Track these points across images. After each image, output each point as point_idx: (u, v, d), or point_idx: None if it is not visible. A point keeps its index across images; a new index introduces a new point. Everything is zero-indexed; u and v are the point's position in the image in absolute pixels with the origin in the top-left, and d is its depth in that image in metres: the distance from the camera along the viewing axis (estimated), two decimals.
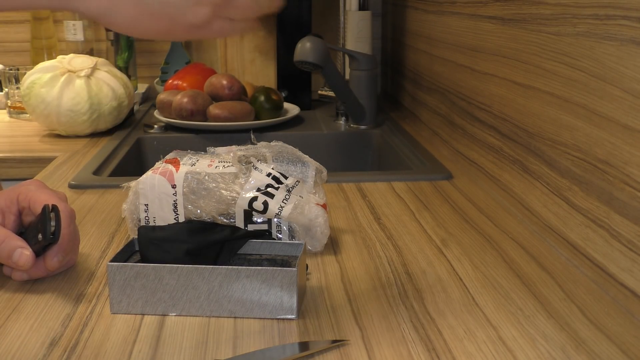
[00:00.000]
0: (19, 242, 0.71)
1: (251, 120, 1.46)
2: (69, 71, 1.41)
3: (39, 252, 0.72)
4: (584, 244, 0.75)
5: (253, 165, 0.81)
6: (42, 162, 1.30)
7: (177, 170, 0.81)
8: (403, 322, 0.65)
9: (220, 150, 0.87)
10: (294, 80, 1.71)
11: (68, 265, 0.77)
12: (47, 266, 0.73)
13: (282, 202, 0.79)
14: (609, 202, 0.70)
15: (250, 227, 0.80)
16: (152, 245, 0.71)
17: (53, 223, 0.70)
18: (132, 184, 0.82)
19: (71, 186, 1.09)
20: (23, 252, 0.70)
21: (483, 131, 1.09)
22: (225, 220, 0.80)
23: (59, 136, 1.46)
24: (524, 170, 0.92)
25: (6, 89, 1.66)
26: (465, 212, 0.96)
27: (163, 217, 0.81)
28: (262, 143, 0.84)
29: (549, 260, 0.79)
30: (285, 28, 1.70)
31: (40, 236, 0.70)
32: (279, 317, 0.66)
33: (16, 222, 0.76)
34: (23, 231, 0.76)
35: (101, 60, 1.48)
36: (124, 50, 1.79)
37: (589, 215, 0.74)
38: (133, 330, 0.64)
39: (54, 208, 0.71)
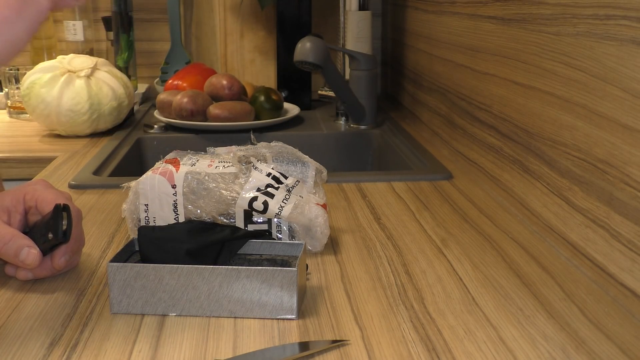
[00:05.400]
0: (26, 240, 0.71)
1: (251, 120, 1.46)
2: (69, 71, 1.41)
3: (46, 251, 0.72)
4: (584, 244, 0.75)
5: (253, 165, 0.81)
6: (42, 162, 1.30)
7: (177, 170, 0.81)
8: (403, 322, 0.65)
9: (220, 150, 0.87)
10: (294, 80, 1.71)
11: (72, 265, 0.77)
12: (54, 265, 0.73)
13: (282, 202, 0.79)
14: (609, 202, 0.70)
15: (250, 227, 0.80)
16: (152, 245, 0.71)
17: (65, 222, 0.70)
18: (132, 184, 0.82)
19: (71, 186, 1.09)
20: (30, 251, 0.70)
21: (483, 131, 1.09)
22: (225, 220, 0.80)
23: (59, 136, 1.46)
24: (524, 170, 0.92)
25: (6, 89, 1.66)
26: (465, 212, 0.96)
27: (163, 217, 0.81)
28: (262, 143, 0.84)
29: (549, 260, 0.79)
30: (285, 28, 1.70)
31: (50, 235, 0.70)
32: (279, 317, 0.66)
33: (22, 221, 0.76)
34: (27, 231, 0.76)
35: (101, 60, 1.48)
36: (124, 50, 1.79)
37: (589, 215, 0.74)
38: (133, 330, 0.64)
39: (65, 207, 0.71)
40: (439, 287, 0.73)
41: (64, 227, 0.70)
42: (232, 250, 0.74)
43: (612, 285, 0.69)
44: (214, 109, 1.44)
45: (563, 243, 0.80)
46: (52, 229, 0.70)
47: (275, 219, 0.80)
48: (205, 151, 0.87)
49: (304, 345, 0.61)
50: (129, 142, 1.40)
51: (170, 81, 1.60)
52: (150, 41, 1.96)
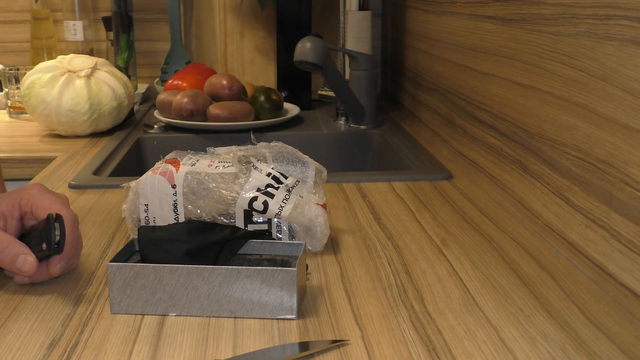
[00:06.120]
0: (22, 248, 0.71)
1: (251, 120, 1.46)
2: (69, 71, 1.41)
3: (42, 258, 0.72)
4: (584, 244, 0.75)
5: (253, 165, 0.81)
6: (42, 162, 1.30)
7: (177, 171, 0.81)
8: (403, 322, 0.65)
9: (220, 150, 0.87)
10: (294, 80, 1.71)
11: (70, 269, 0.77)
12: (50, 272, 0.73)
13: (282, 202, 0.79)
14: (609, 202, 0.70)
15: (250, 227, 0.80)
16: (152, 245, 0.71)
17: (57, 233, 0.70)
18: (132, 184, 0.82)
19: (71, 186, 1.09)
20: (27, 259, 0.70)
21: (483, 131, 1.09)
22: (225, 220, 0.80)
23: (59, 136, 1.46)
24: (524, 170, 0.92)
25: (6, 89, 1.66)
26: (465, 212, 0.96)
27: (163, 217, 0.81)
28: (262, 143, 0.84)
29: (549, 260, 0.79)
30: (285, 28, 1.70)
31: (44, 245, 0.70)
32: (279, 317, 0.66)
33: (18, 226, 0.75)
34: (25, 233, 0.76)
35: (101, 60, 1.48)
36: (124, 50, 1.79)
37: (589, 215, 0.74)
38: (133, 330, 0.64)
39: (58, 217, 0.71)
40: (439, 287, 0.73)
41: (57, 239, 0.70)
42: (232, 250, 0.74)
43: (612, 285, 0.69)
44: (214, 109, 1.44)
45: (563, 243, 0.80)
46: (46, 240, 0.70)
47: (275, 219, 0.80)
48: (205, 151, 0.87)
49: (304, 345, 0.61)
50: (129, 142, 1.40)
51: (170, 81, 1.60)
52: (150, 41, 1.96)
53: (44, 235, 0.70)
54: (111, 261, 0.68)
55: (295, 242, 0.74)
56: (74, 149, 1.35)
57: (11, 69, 1.64)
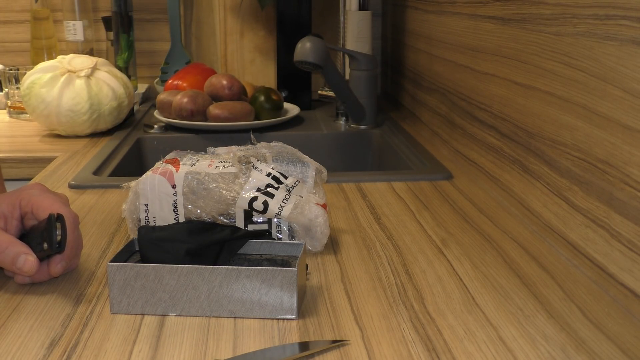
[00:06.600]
0: (23, 248, 0.71)
1: (251, 120, 1.46)
2: (69, 71, 1.41)
3: (43, 258, 0.72)
4: (584, 244, 0.75)
5: (253, 165, 0.81)
6: (42, 162, 1.30)
7: (177, 171, 0.81)
8: (403, 322, 0.65)
9: (220, 150, 0.87)
10: (294, 80, 1.71)
11: (71, 269, 0.77)
12: (50, 272, 0.73)
13: (282, 202, 0.79)
14: (609, 202, 0.70)
15: (250, 227, 0.80)
16: (152, 245, 0.71)
17: (59, 232, 0.70)
18: (132, 184, 0.82)
19: (71, 186, 1.09)
20: (28, 259, 0.70)
21: (483, 131, 1.09)
22: (225, 220, 0.80)
23: (59, 136, 1.46)
24: (524, 170, 0.92)
25: (6, 89, 1.66)
26: (465, 212, 0.96)
27: (163, 217, 0.81)
28: (262, 143, 0.84)
29: (549, 260, 0.79)
30: (285, 28, 1.70)
31: (45, 245, 0.70)
32: (279, 317, 0.66)
33: (18, 226, 0.75)
34: (25, 233, 0.76)
35: (101, 60, 1.48)
36: (124, 50, 1.79)
37: (589, 215, 0.74)
38: (133, 330, 0.64)
39: (60, 217, 0.71)
40: (439, 287, 0.73)
41: (59, 238, 0.70)
42: (232, 250, 0.74)
43: (612, 285, 0.69)
44: (214, 109, 1.44)
45: (563, 243, 0.80)
46: (47, 240, 0.70)
47: (275, 219, 0.80)
48: (205, 151, 0.87)
49: (304, 345, 0.61)
50: (129, 142, 1.40)
51: (170, 81, 1.60)
52: (150, 41, 1.96)
53: (46, 235, 0.70)
54: (111, 261, 0.68)
55: (295, 242, 0.74)
56: (74, 149, 1.35)
57: (11, 69, 1.64)
